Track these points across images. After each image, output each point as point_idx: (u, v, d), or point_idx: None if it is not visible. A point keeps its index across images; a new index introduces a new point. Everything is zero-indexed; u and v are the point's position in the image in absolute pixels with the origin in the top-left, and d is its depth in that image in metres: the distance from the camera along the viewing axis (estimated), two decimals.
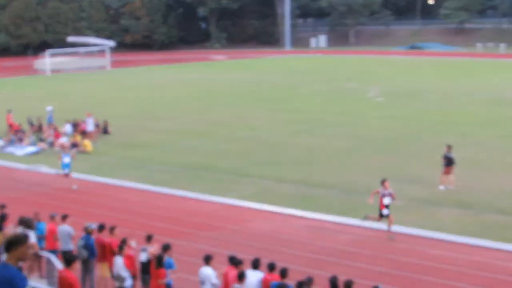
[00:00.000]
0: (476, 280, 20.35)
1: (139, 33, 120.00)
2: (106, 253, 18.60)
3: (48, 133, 42.71)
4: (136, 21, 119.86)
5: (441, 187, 30.51)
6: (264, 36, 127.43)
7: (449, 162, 30.72)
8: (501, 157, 36.42)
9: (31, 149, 40.49)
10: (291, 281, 15.26)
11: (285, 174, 33.22)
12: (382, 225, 25.27)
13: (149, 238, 18.08)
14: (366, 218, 24.42)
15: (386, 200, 23.38)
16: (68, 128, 43.09)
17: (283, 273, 15.70)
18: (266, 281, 15.86)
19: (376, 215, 23.94)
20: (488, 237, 23.93)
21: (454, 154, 30.99)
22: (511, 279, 20.59)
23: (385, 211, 23.39)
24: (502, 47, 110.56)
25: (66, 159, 30.17)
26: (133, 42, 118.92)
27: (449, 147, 31.37)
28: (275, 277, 15.79)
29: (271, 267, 16.14)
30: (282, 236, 24.74)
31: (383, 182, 23.87)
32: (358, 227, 25.82)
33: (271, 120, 51.10)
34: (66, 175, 30.75)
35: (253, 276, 16.00)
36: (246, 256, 17.20)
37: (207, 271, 16.35)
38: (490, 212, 27.15)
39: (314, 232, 25.40)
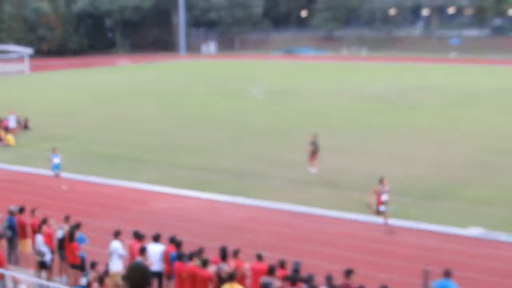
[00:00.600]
0: (342, 247, 22.29)
1: (54, 41, 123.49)
2: (27, 231, 19.67)
3: None
4: (51, 31, 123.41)
5: (311, 170, 32.49)
6: (163, 43, 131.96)
7: (315, 148, 32.78)
8: (361, 144, 39.41)
9: None
10: (187, 251, 16.52)
11: (182, 161, 35.00)
12: (266, 203, 27.76)
13: (66, 219, 19.01)
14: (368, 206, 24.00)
15: (384, 197, 23.43)
16: None
17: (179, 245, 17.17)
18: (167, 252, 17.22)
19: (372, 210, 23.77)
20: (351, 211, 26.23)
21: (319, 142, 33.07)
22: (370, 245, 22.54)
23: (382, 208, 23.40)
24: (364, 51, 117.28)
25: (56, 160, 29.60)
26: (49, 49, 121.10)
27: (314, 136, 33.21)
28: (174, 249, 17.08)
29: (171, 241, 17.52)
30: (180, 213, 26.41)
31: (381, 180, 23.83)
32: (246, 205, 27.75)
33: (168, 116, 53.28)
34: (57, 176, 30.44)
35: (156, 248, 17.31)
36: (149, 232, 18.39)
37: (116, 245, 17.54)
38: (352, 190, 29.16)
39: (208, 210, 27.09)
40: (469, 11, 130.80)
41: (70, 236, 18.26)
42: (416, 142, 40.27)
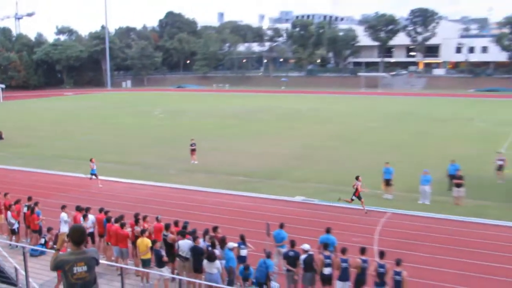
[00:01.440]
0: (214, 211, 22.53)
1: (20, 79, 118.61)
2: (1, 209, 19.15)
3: None
4: (18, 72, 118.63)
5: (194, 162, 32.84)
6: (96, 81, 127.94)
7: (193, 149, 33.31)
8: (225, 145, 39.74)
9: None
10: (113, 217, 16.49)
11: (108, 158, 34.15)
12: (165, 184, 27.92)
13: (29, 199, 18.88)
14: (339, 200, 22.66)
15: (360, 188, 21.77)
16: None
17: (106, 213, 17.03)
18: (98, 219, 17.19)
19: (347, 198, 22.19)
20: (220, 188, 26.65)
21: (197, 144, 33.73)
22: (236, 210, 22.77)
23: (359, 197, 21.80)
24: (227, 86, 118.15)
25: (94, 167, 26.98)
26: (17, 85, 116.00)
27: (193, 139, 33.93)
28: (103, 216, 17.03)
29: (101, 210, 17.55)
30: (109, 193, 25.98)
31: (357, 177, 22.16)
32: (151, 186, 27.65)
33: (99, 128, 52.20)
34: (91, 178, 27.52)
35: (91, 217, 17.25)
36: (89, 206, 18.10)
37: (63, 215, 17.48)
38: (221, 174, 29.80)
39: (128, 190, 26.92)
40: (292, 60, 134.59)
41: (31, 211, 18.09)
42: (259, 143, 41.04)
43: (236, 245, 14.58)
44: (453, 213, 22.01)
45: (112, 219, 16.47)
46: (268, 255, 13.87)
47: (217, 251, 13.93)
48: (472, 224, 20.74)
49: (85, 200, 23.04)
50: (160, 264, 13.96)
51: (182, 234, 14.93)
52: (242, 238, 15.02)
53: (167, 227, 15.45)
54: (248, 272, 13.58)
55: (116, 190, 26.88)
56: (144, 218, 16.40)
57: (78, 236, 7.17)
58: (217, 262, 13.46)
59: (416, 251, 17.70)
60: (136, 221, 16.28)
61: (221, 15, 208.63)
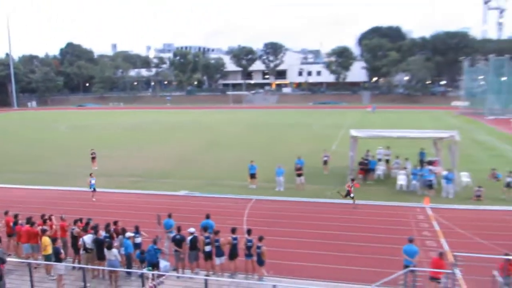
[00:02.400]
0: (113, 208, 21.66)
1: None
2: None
3: None
4: None
5: (94, 168, 30.37)
6: (3, 101, 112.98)
7: (94, 157, 31.67)
8: (123, 153, 37.74)
9: None
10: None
11: (19, 169, 31.51)
12: (70, 188, 25.95)
13: None
14: (338, 192, 21.80)
15: (353, 189, 20.83)
16: None
17: (15, 217, 15.55)
18: (7, 221, 15.50)
19: (342, 193, 21.33)
20: (119, 188, 25.41)
21: (97, 153, 32.16)
22: (128, 205, 21.85)
23: (351, 195, 20.94)
24: (121, 104, 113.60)
25: (93, 181, 23.26)
26: None
27: (93, 149, 32.38)
28: (11, 219, 15.54)
29: (6, 213, 15.80)
30: (20, 199, 23.98)
31: (352, 179, 21.75)
32: (58, 190, 25.63)
33: (7, 142, 47.43)
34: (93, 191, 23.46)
35: None
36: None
37: None
38: (119, 177, 28.38)
39: (35, 195, 24.89)
40: (174, 83, 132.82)
41: None
42: (149, 150, 39.67)
43: (132, 234, 14.22)
44: (300, 196, 23.14)
45: (20, 221, 15.32)
46: (155, 241, 13.58)
47: (115, 242, 13.58)
48: (313, 203, 21.94)
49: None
50: (58, 259, 13.17)
51: (85, 230, 14.34)
52: (137, 228, 14.66)
53: (75, 222, 14.84)
54: (143, 256, 13.42)
55: (24, 197, 24.39)
56: (49, 218, 15.42)
57: None
58: (114, 250, 13.14)
59: (276, 226, 18.32)
60: (44, 221, 15.19)
61: (114, 46, 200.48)
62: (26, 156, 38.05)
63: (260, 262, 13.26)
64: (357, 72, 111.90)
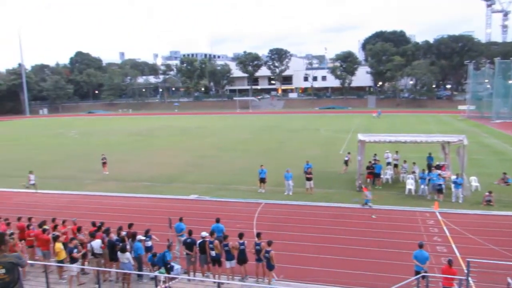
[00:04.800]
0: (127, 213, 21.42)
1: None
2: None
3: None
4: None
5: (105, 173, 30.86)
6: (15, 110, 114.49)
7: (104, 162, 31.72)
8: (131, 157, 37.69)
9: None
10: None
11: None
12: (81, 192, 25.94)
13: None
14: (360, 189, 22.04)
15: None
16: None
17: (29, 219, 15.72)
18: (19, 226, 15.58)
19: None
20: (130, 192, 25.29)
21: (107, 158, 32.07)
22: (142, 209, 21.85)
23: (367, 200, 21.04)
24: (130, 110, 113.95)
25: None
26: None
27: (103, 154, 32.44)
28: (23, 224, 15.65)
29: (19, 219, 16.00)
30: (33, 203, 23.98)
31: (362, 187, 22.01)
32: (69, 194, 25.44)
33: (21, 148, 47.10)
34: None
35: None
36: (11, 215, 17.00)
37: None
38: (129, 182, 28.34)
39: (45, 199, 24.74)
40: (182, 89, 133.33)
41: None
42: (159, 155, 39.60)
43: (143, 238, 14.28)
44: (308, 200, 22.99)
45: (31, 226, 15.36)
46: (169, 246, 13.64)
47: (128, 245, 13.58)
48: (321, 207, 21.76)
49: (9, 210, 20.88)
50: (72, 260, 13.18)
51: (92, 235, 14.35)
52: (147, 232, 14.74)
53: (79, 229, 14.94)
54: (155, 259, 13.41)
55: (35, 202, 24.32)
56: (63, 223, 15.58)
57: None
58: (127, 254, 13.17)
59: (285, 230, 18.20)
60: (55, 226, 15.18)
61: (122, 54, 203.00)
62: (37, 161, 38.02)
63: (270, 267, 13.14)
64: (362, 77, 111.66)
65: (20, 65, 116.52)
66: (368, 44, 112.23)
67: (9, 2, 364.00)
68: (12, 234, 14.21)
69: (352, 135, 46.89)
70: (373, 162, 26.76)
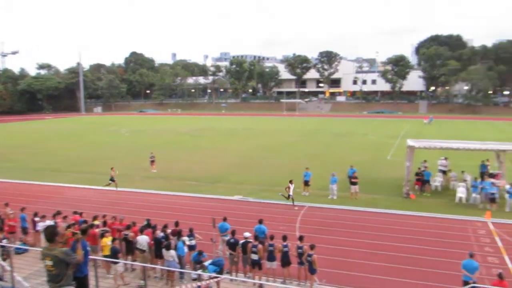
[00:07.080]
0: (172, 211, 22.09)
1: (6, 106, 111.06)
2: None
3: None
4: (4, 100, 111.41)
5: (153, 171, 31.78)
6: (71, 107, 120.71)
7: (153, 160, 32.52)
8: (180, 156, 38.49)
9: None
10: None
11: (84, 169, 32.74)
12: (131, 189, 26.71)
13: (22, 209, 17.43)
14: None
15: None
16: None
17: (81, 214, 16.75)
18: (74, 219, 17.05)
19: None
20: (176, 191, 25.81)
21: (155, 156, 32.84)
22: (185, 207, 22.13)
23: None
24: (179, 110, 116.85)
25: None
26: (2, 111, 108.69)
27: (152, 152, 33.37)
28: (78, 217, 16.39)
29: (75, 213, 17.18)
30: (84, 198, 25.05)
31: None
32: (120, 191, 26.23)
33: (74, 146, 49.50)
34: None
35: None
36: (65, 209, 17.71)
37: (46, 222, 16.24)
38: (176, 180, 28.94)
39: (98, 195, 25.86)
40: (230, 90, 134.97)
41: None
42: (205, 155, 40.24)
43: (187, 238, 14.42)
44: (353, 205, 22.62)
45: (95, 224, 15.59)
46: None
47: (172, 242, 13.70)
48: (367, 213, 21.34)
49: (63, 205, 21.89)
50: (116, 258, 13.43)
51: (141, 231, 14.55)
52: (191, 230, 14.83)
53: (128, 227, 14.93)
54: (201, 257, 13.33)
55: (89, 196, 25.40)
56: (103, 216, 16.01)
57: (49, 233, 7.06)
58: (172, 251, 13.21)
59: (328, 234, 17.98)
60: (104, 223, 15.61)
61: (174, 55, 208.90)
62: (90, 157, 39.69)
63: (312, 270, 13.02)
64: (413, 81, 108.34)
65: (78, 64, 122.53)
66: (422, 48, 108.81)
67: (74, 5, 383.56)
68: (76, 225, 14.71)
69: (401, 140, 45.64)
70: (422, 168, 25.94)
